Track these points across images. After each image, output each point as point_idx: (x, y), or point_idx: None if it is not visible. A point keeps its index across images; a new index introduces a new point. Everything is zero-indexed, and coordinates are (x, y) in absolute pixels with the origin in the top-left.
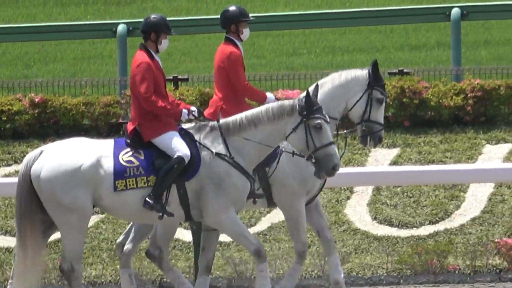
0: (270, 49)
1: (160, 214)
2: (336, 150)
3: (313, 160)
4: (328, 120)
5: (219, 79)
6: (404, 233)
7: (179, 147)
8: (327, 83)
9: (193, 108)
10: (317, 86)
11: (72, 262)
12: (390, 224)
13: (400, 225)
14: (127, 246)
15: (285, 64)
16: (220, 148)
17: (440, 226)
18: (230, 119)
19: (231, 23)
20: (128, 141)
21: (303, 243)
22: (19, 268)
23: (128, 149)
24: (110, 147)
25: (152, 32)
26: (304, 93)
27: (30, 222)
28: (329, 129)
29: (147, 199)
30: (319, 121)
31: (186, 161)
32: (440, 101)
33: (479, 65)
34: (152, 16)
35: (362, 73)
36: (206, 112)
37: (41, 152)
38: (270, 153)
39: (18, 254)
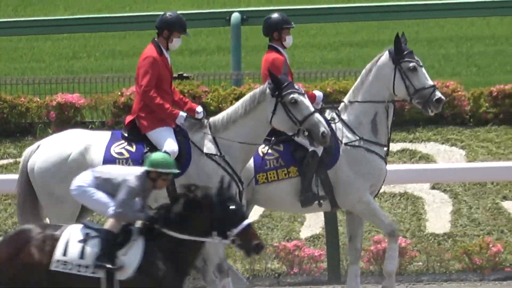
0: (49, 53)
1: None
2: (321, 117)
3: (306, 133)
4: (303, 92)
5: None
6: None
7: (168, 143)
8: (364, 84)
9: (199, 109)
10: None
11: None
12: None
13: None
14: None
15: (65, 68)
16: (210, 146)
17: None
18: (217, 117)
19: (273, 31)
20: (125, 133)
21: (390, 224)
22: None
23: (122, 141)
24: (105, 138)
25: (165, 29)
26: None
27: (32, 216)
28: (306, 100)
29: None
30: (292, 95)
31: (172, 158)
32: (220, 105)
33: (259, 70)
34: (168, 13)
35: (383, 55)
36: None
37: (38, 146)
38: (330, 155)
39: None
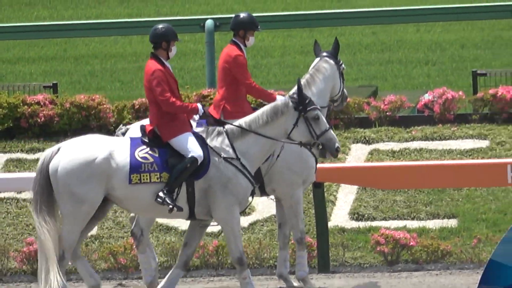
0: None
1: (171, 207)
2: (334, 133)
3: (320, 147)
4: (320, 108)
5: (222, 79)
6: None
7: (194, 148)
8: (316, 78)
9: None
10: (299, 80)
11: (65, 250)
12: None
13: None
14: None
15: None
16: (228, 151)
17: None
18: (233, 125)
19: (240, 28)
20: (146, 140)
21: (302, 231)
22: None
23: (144, 147)
24: (126, 144)
25: (163, 41)
26: (294, 90)
27: (48, 215)
28: (323, 117)
29: (159, 193)
30: (316, 112)
31: (199, 162)
32: None
33: None
34: (160, 26)
35: (330, 61)
36: (210, 110)
37: (58, 149)
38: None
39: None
